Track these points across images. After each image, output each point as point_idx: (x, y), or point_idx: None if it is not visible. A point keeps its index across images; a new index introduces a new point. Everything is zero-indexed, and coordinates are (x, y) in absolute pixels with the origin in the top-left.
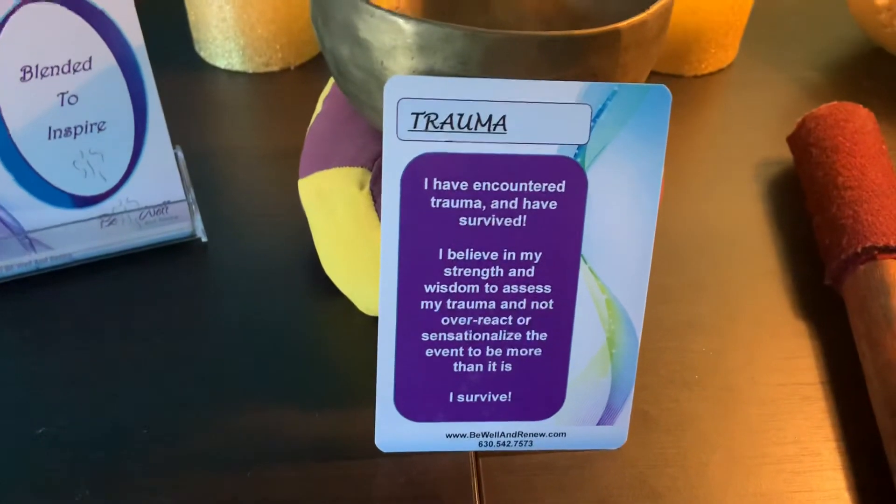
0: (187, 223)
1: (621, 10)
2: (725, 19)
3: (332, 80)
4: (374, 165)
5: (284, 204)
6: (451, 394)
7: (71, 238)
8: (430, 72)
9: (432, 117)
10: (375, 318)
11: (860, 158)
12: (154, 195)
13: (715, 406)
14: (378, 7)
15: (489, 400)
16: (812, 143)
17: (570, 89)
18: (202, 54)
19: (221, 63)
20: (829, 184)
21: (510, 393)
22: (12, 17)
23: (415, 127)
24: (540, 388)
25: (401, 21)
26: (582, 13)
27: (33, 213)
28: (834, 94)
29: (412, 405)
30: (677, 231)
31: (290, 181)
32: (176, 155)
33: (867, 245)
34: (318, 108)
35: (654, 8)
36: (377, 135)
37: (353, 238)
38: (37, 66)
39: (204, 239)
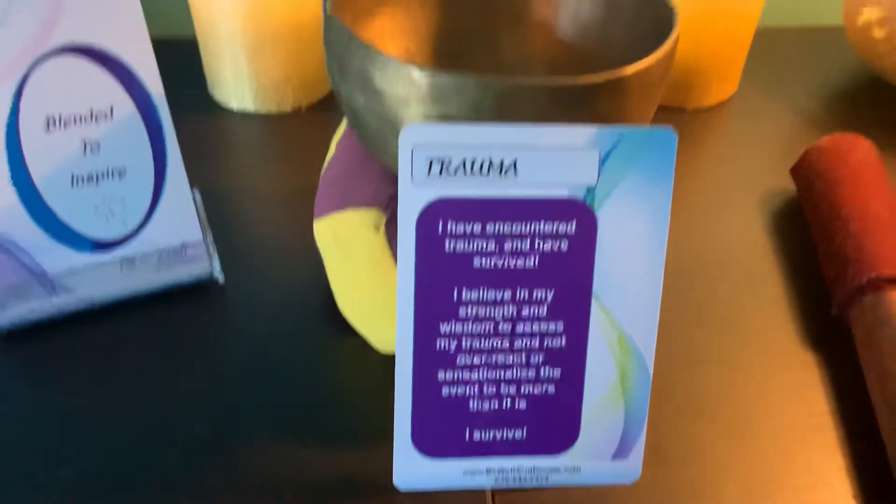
0: (205, 264)
1: (626, 50)
2: (726, 53)
3: (344, 123)
4: (388, 207)
5: (299, 243)
6: (468, 431)
7: (92, 281)
8: (444, 118)
9: (446, 163)
10: (391, 356)
11: (863, 190)
12: (173, 238)
13: (728, 437)
14: (392, 58)
15: (505, 437)
16: (815, 176)
17: (578, 134)
18: (216, 96)
19: (235, 104)
20: (833, 216)
21: (525, 429)
22: (36, 70)
23: (429, 173)
24: (554, 424)
25: (414, 72)
26: (588, 53)
27: (55, 258)
28: (835, 124)
29: (429, 443)
30: (685, 263)
31: (304, 220)
32: (193, 197)
33: (872, 276)
34: (332, 150)
35: (657, 54)
36: (390, 177)
37: (368, 278)
38: (60, 116)
39: (221, 280)
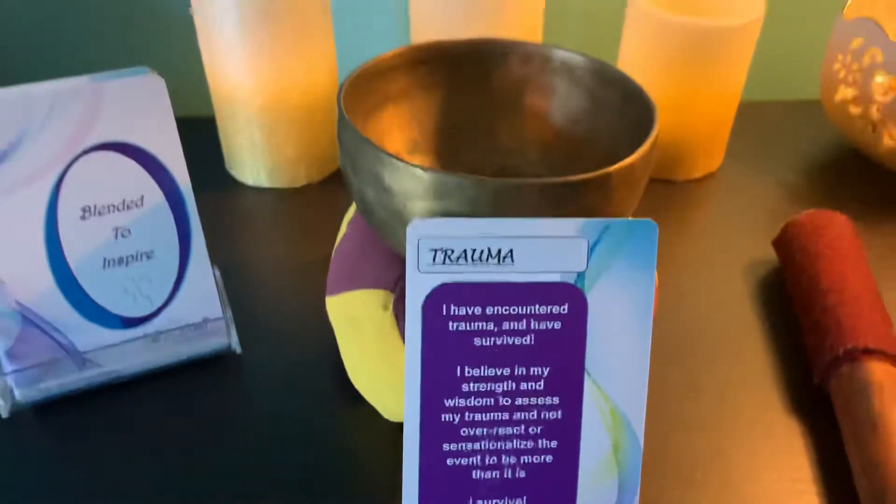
0: (224, 337)
1: (613, 138)
2: (710, 130)
3: (355, 204)
4: (395, 287)
5: (312, 314)
6: (471, 499)
7: (119, 356)
8: (446, 213)
9: (449, 252)
10: (398, 423)
11: (840, 264)
12: (195, 314)
13: (716, 503)
14: (400, 160)
15: None
16: (795, 249)
17: (568, 225)
18: (233, 172)
19: (250, 180)
20: (812, 288)
21: (525, 497)
22: (75, 165)
23: (434, 261)
24: (552, 492)
25: (420, 172)
26: (578, 140)
27: (87, 335)
28: (815, 196)
29: None
30: (674, 331)
31: (317, 292)
32: (214, 274)
33: (849, 347)
34: (343, 229)
35: (639, 152)
36: (398, 258)
37: (377, 353)
38: (95, 206)
39: (238, 351)
